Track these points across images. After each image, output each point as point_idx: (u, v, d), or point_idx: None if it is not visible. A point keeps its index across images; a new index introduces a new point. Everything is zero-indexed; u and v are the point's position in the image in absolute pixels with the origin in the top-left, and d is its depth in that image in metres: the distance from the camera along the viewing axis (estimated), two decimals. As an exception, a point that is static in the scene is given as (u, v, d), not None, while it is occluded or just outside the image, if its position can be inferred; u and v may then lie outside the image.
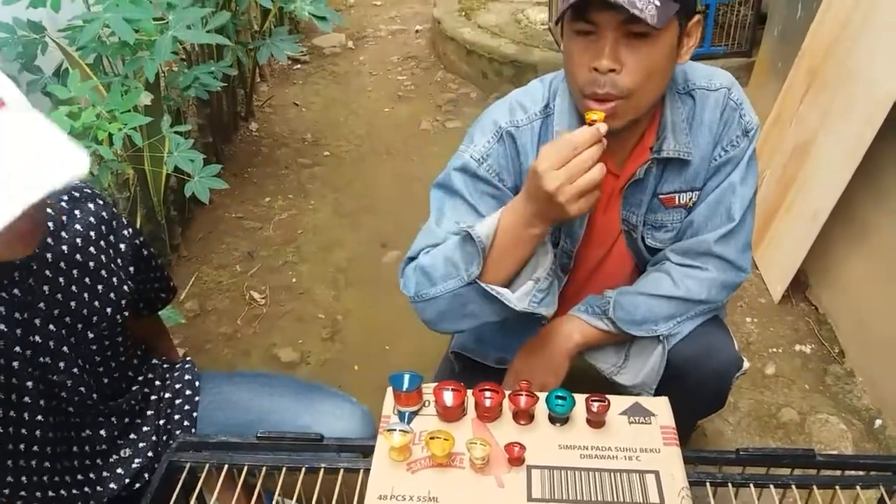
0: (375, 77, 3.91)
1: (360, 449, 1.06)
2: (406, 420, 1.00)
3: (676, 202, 1.29)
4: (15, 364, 1.04)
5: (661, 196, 1.28)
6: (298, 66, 3.97)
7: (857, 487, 0.98)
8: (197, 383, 1.32)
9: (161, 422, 1.28)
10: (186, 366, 1.36)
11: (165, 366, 1.35)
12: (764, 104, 2.57)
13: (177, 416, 1.28)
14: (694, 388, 1.30)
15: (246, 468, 1.05)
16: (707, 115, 1.24)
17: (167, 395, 1.30)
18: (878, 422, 1.86)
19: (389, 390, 1.02)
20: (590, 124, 1.06)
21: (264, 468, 1.05)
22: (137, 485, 1.22)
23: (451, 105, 3.58)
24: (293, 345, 2.21)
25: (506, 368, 1.37)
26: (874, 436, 1.84)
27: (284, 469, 1.05)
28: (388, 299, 2.32)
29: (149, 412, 1.27)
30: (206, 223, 2.75)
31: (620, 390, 1.33)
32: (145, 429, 1.25)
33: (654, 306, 1.28)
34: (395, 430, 0.94)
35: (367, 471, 0.97)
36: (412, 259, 1.24)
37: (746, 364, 1.37)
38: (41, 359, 1.07)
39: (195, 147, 2.06)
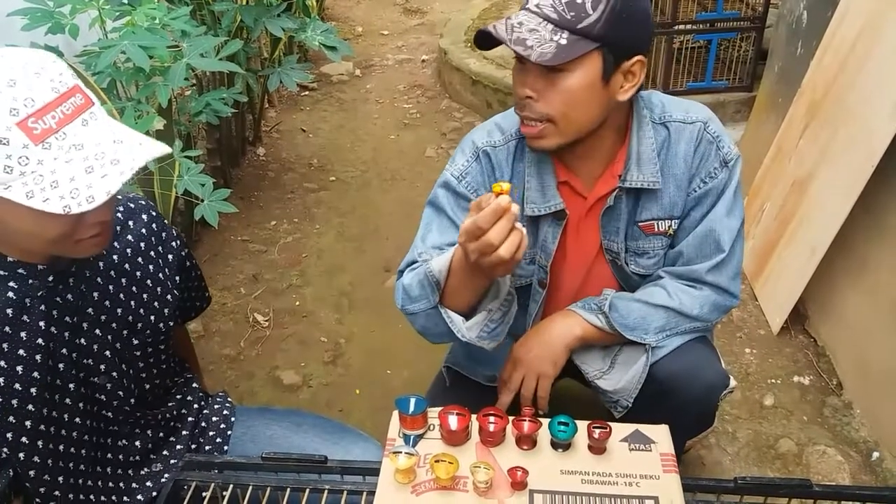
0: (382, 105, 3.96)
1: (364, 471, 1.08)
2: (411, 443, 1.02)
3: (656, 229, 1.34)
4: (60, 366, 1.08)
5: (639, 223, 1.33)
6: (306, 92, 4.03)
7: (853, 518, 1.00)
8: (232, 419, 1.36)
9: (193, 446, 1.30)
10: (227, 403, 1.39)
11: (201, 394, 1.38)
12: (764, 139, 2.61)
13: (208, 447, 1.31)
14: (681, 405, 1.32)
15: (251, 488, 1.07)
16: (682, 146, 1.29)
17: (202, 424, 1.33)
18: (876, 454, 1.87)
19: (395, 413, 1.04)
20: (497, 195, 1.00)
21: (268, 488, 1.07)
22: None
23: (455, 133, 3.62)
24: (295, 368, 2.23)
25: (496, 386, 1.40)
26: (871, 468, 1.85)
27: (289, 490, 1.07)
28: (390, 324, 2.35)
29: (184, 431, 1.30)
30: (212, 245, 2.78)
31: (601, 396, 1.37)
32: (178, 447, 1.28)
33: (648, 314, 1.32)
34: (400, 452, 0.96)
35: (371, 493, 0.99)
36: (402, 272, 1.30)
37: (733, 382, 1.39)
38: (84, 360, 1.11)
39: (204, 171, 2.09)
